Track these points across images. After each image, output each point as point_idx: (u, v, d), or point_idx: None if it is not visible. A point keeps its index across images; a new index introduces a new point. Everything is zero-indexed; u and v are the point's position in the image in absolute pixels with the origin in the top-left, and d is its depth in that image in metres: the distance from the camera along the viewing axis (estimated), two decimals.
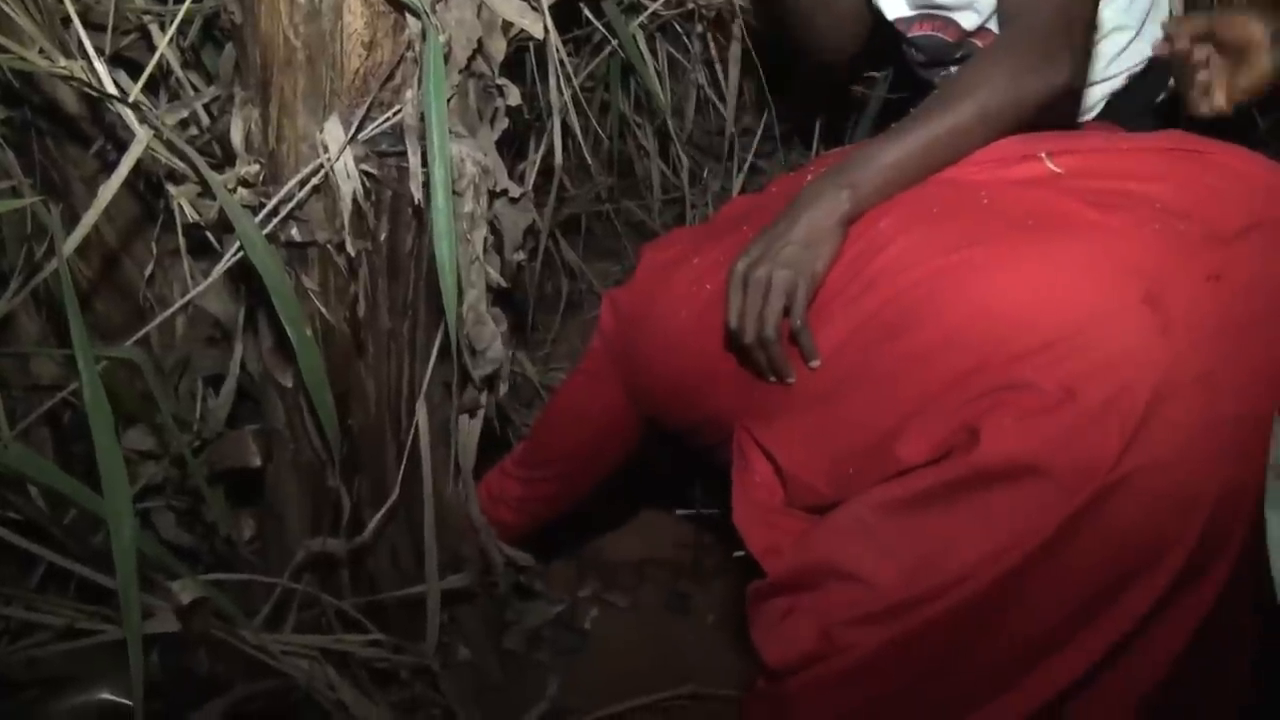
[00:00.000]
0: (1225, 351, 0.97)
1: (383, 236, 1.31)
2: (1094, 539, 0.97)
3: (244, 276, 1.37)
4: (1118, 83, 1.46)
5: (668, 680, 1.65)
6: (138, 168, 1.24)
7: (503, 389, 1.58)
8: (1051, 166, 1.14)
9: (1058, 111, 1.22)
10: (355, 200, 1.24)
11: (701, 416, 1.32)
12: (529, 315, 2.20)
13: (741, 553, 1.18)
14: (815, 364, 1.15)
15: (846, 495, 1.10)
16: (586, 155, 2.18)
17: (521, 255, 1.48)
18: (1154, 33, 1.43)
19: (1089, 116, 1.47)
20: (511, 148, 2.10)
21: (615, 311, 1.42)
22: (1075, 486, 0.95)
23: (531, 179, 1.93)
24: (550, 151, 1.85)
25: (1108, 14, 1.31)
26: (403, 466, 1.44)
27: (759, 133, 2.41)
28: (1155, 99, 1.49)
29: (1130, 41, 1.43)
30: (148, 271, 1.44)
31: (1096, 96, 1.47)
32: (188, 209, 1.29)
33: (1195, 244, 1.03)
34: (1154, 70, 1.46)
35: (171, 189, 1.31)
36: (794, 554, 1.13)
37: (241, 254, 1.21)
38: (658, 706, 1.64)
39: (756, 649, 1.13)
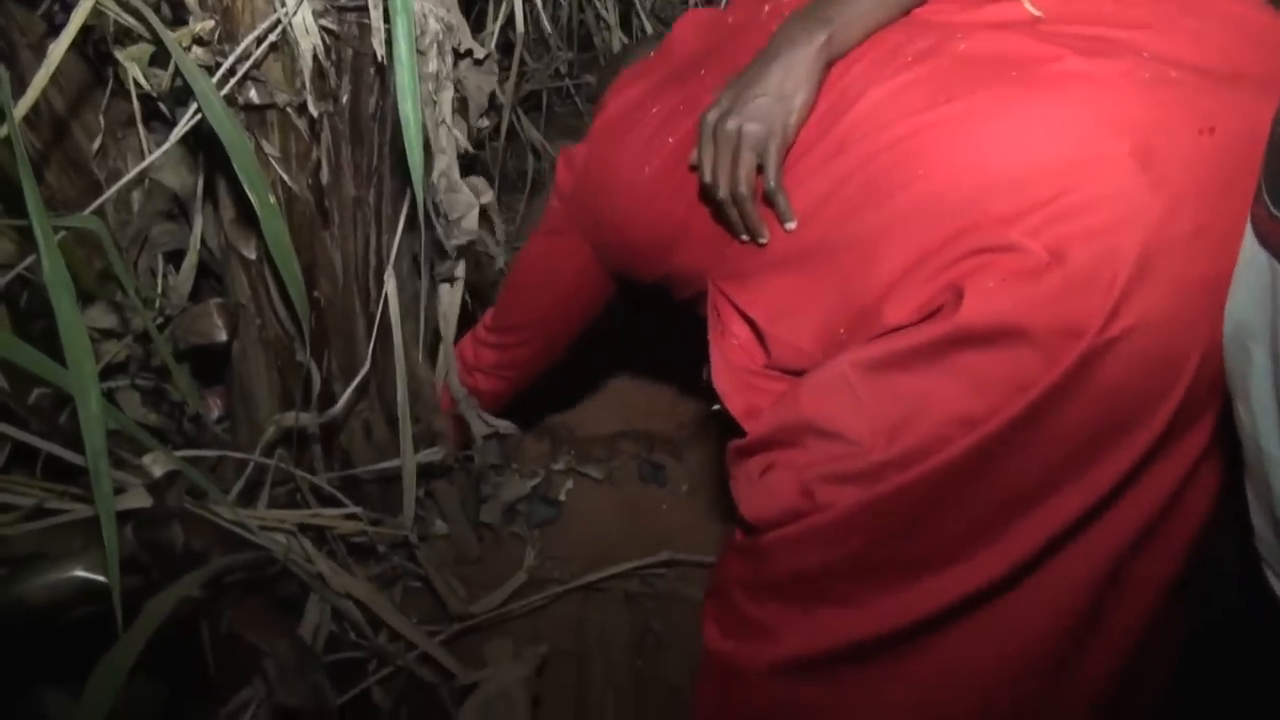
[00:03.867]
0: (1218, 208, 0.93)
1: (344, 98, 1.26)
2: (1078, 404, 0.95)
3: (201, 146, 1.32)
4: None
5: (644, 548, 1.67)
6: (87, 30, 1.18)
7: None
8: (1030, 9, 1.09)
9: None
10: (315, 58, 1.19)
11: (670, 271, 1.29)
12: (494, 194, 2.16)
13: (718, 406, 1.17)
14: (791, 226, 1.12)
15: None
16: (546, 26, 2.12)
17: (486, 121, 1.44)
18: None
19: None
20: (470, 19, 2.04)
21: (571, 168, 1.37)
22: (1059, 352, 0.94)
23: (490, 51, 1.88)
24: (510, 23, 1.80)
25: None
26: (373, 339, 1.42)
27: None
28: None
29: None
30: (98, 143, 1.38)
31: None
32: (139, 76, 1.24)
33: (1187, 94, 0.98)
34: None
35: (119, 53, 1.25)
36: (775, 411, 1.12)
37: (198, 119, 1.16)
38: (634, 574, 1.66)
39: (736, 503, 1.13)
